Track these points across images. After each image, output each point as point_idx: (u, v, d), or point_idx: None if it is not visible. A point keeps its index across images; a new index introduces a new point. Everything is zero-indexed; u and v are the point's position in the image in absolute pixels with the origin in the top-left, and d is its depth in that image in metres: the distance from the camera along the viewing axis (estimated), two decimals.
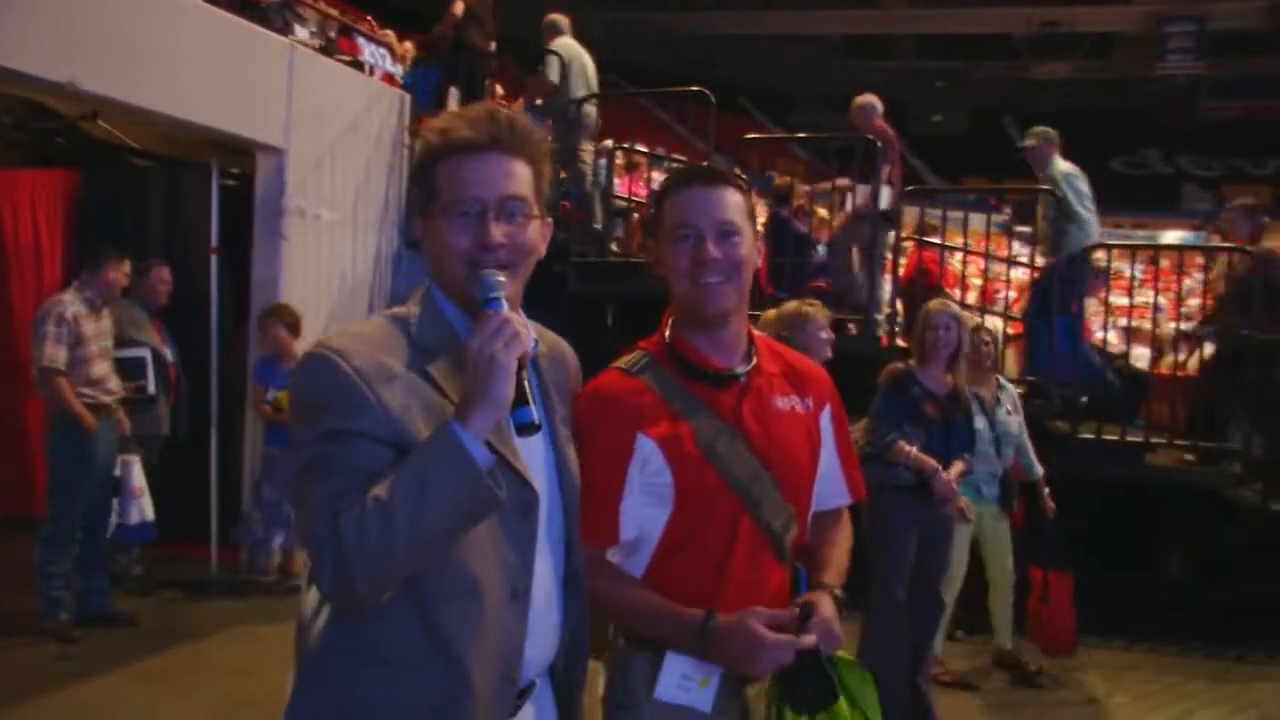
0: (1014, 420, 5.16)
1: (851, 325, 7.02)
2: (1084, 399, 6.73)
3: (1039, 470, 5.30)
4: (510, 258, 1.56)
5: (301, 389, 1.51)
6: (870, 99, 7.40)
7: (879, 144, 6.93)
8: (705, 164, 1.84)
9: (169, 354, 5.97)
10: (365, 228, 7.07)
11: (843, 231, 7.42)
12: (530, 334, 1.50)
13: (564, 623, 1.70)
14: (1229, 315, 6.50)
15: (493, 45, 8.28)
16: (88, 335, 5.15)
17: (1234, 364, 6.32)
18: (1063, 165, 6.91)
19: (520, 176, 1.59)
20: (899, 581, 4.34)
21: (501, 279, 1.51)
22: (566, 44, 7.85)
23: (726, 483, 1.82)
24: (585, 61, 7.86)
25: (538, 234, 1.63)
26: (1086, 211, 6.73)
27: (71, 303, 5.16)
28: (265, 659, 4.87)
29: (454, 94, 7.83)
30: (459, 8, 7.94)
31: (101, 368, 5.24)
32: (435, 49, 8.04)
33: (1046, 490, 5.34)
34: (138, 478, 5.38)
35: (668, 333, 1.93)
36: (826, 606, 1.81)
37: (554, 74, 7.66)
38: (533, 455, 1.62)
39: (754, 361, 1.92)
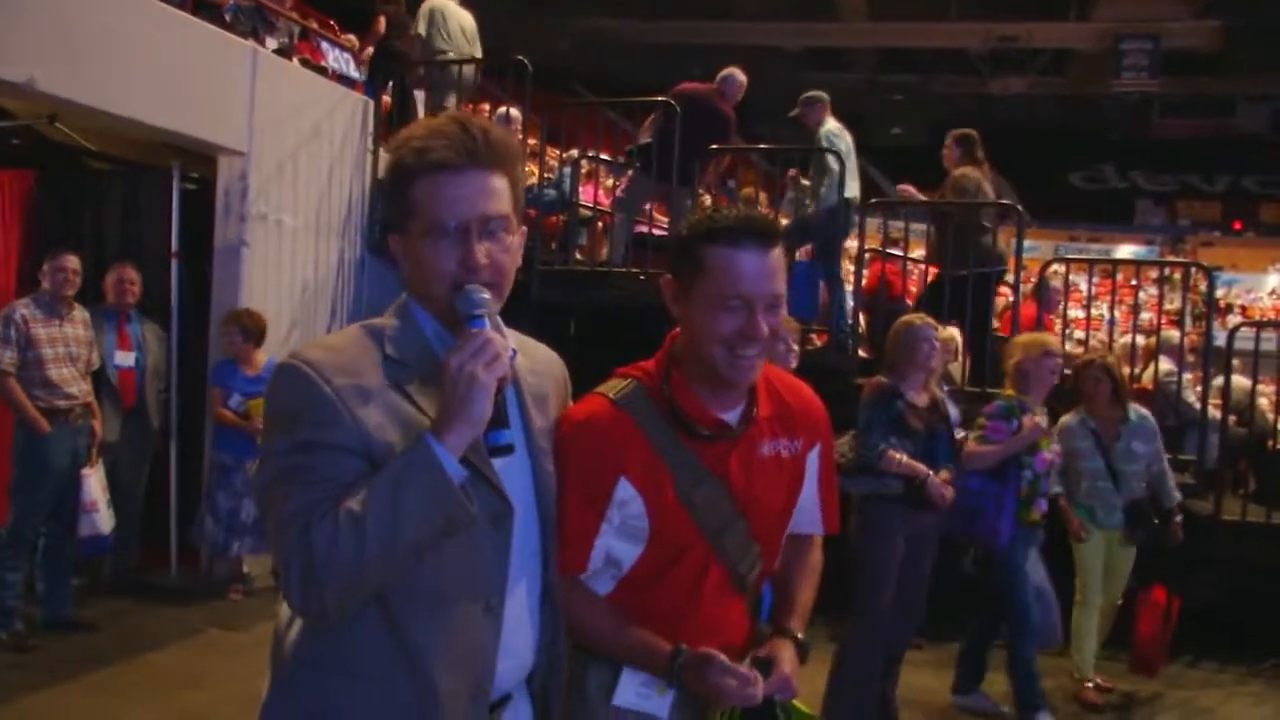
0: (1146, 448, 5.14)
1: (814, 337, 7.08)
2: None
3: (1175, 497, 5.26)
4: (493, 277, 1.55)
5: (276, 400, 1.51)
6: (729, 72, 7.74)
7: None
8: (750, 212, 1.65)
9: (130, 359, 5.86)
10: (328, 234, 7.02)
11: None
12: (510, 350, 1.50)
13: (540, 636, 1.70)
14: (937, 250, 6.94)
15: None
16: (40, 338, 5.10)
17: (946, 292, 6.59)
18: (830, 125, 7.42)
19: (500, 192, 1.57)
20: (884, 590, 4.36)
21: (486, 295, 1.52)
22: (441, 3, 7.89)
23: (700, 531, 1.81)
24: (462, 19, 7.89)
25: (518, 249, 1.63)
26: (836, 170, 7.21)
27: (23, 306, 5.16)
28: (219, 670, 4.82)
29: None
30: (381, 23, 8.06)
31: (60, 372, 5.16)
32: (372, 64, 8.13)
33: (1178, 519, 5.25)
34: (90, 491, 5.26)
35: (666, 367, 1.85)
36: (786, 660, 1.80)
37: (422, 27, 7.71)
38: (508, 469, 1.60)
39: (752, 414, 1.86)
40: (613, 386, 1.86)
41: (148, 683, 4.76)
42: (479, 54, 8.07)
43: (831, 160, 7.23)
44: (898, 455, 4.37)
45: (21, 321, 5.07)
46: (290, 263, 6.73)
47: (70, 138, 6.62)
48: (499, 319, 1.60)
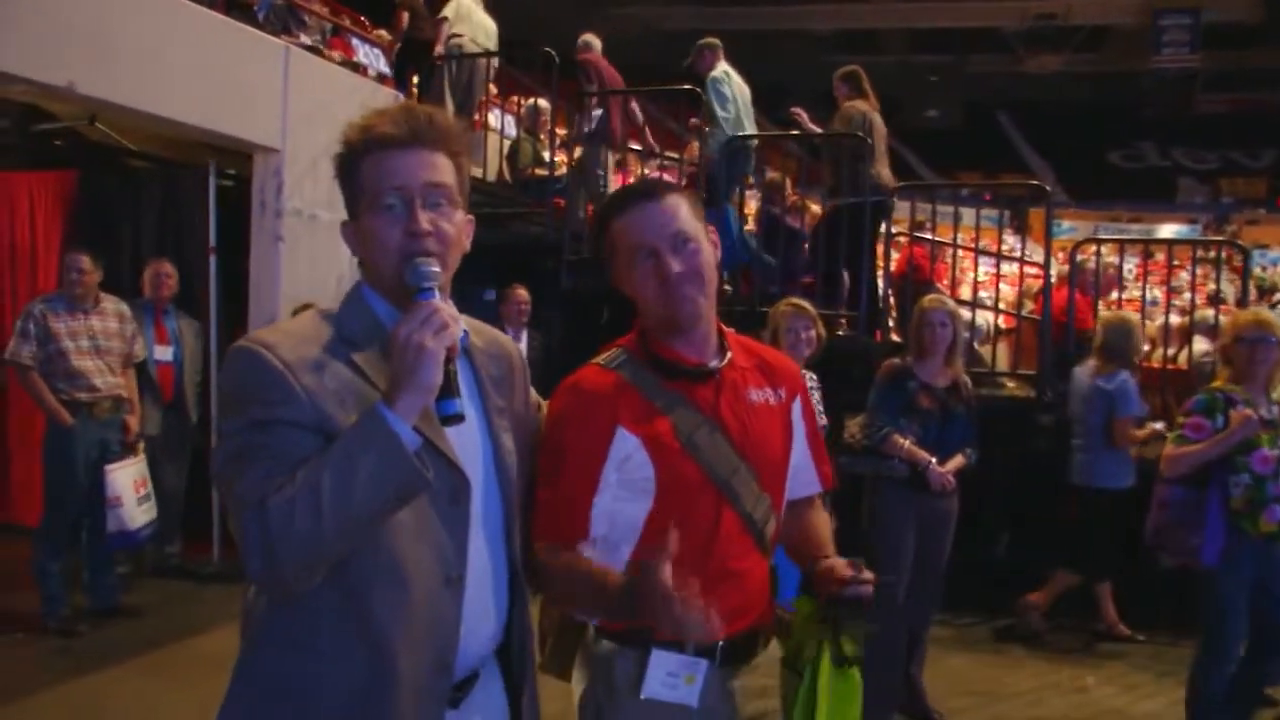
0: None
1: (844, 321, 7.09)
2: None
3: None
4: (438, 246, 1.58)
5: (229, 381, 1.53)
6: (585, 38, 8.17)
7: (591, 75, 7.87)
8: (642, 179, 1.74)
9: (168, 354, 5.99)
10: None
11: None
12: (460, 326, 1.52)
13: (507, 615, 1.72)
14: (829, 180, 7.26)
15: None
16: (59, 331, 5.21)
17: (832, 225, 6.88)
18: (717, 70, 7.60)
19: (442, 168, 1.61)
20: (898, 571, 4.39)
21: (435, 269, 1.54)
22: (468, 4, 8.14)
23: (707, 475, 1.85)
24: (485, 22, 8.17)
25: (462, 226, 1.65)
26: (725, 114, 7.45)
27: (41, 301, 5.32)
28: None
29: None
30: (404, 18, 8.25)
31: (83, 364, 5.25)
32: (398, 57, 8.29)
33: None
34: (114, 486, 5.25)
35: (641, 333, 1.96)
36: (863, 570, 1.87)
37: (449, 11, 7.99)
38: (467, 446, 1.64)
39: (728, 357, 1.95)
40: (600, 356, 1.96)
41: (192, 665, 4.89)
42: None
43: (716, 105, 7.41)
44: (901, 440, 4.39)
45: (39, 316, 5.20)
46: (325, 257, 6.83)
47: (111, 138, 6.78)
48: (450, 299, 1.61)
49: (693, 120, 7.69)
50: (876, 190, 6.94)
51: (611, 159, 8.09)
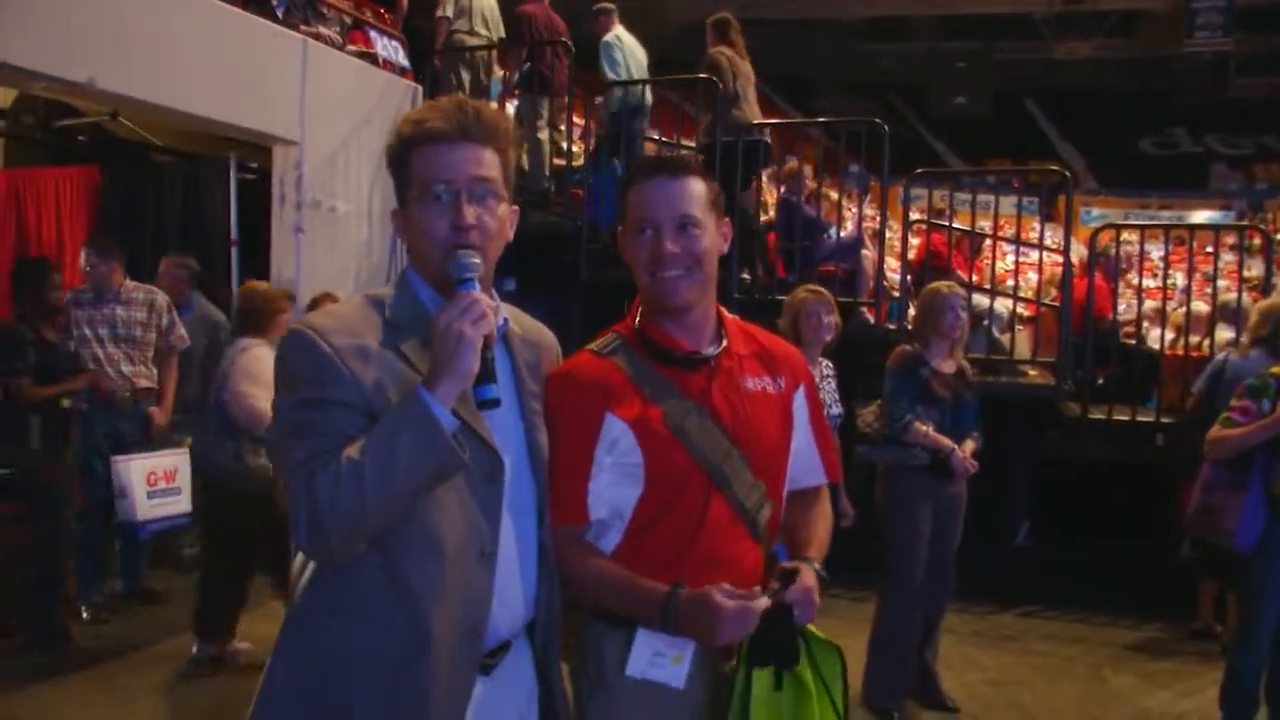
0: None
1: (866, 309, 7.07)
2: (1100, 380, 6.82)
3: None
4: (480, 239, 1.66)
5: (284, 362, 1.63)
6: None
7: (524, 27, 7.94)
8: (670, 154, 1.75)
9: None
10: (380, 218, 7.18)
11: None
12: (500, 315, 1.60)
13: (537, 590, 1.78)
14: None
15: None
16: (79, 320, 5.39)
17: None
18: (609, 35, 7.75)
19: (488, 162, 1.69)
20: (916, 558, 4.42)
21: (476, 260, 1.62)
22: None
23: (696, 461, 1.84)
24: (485, 4, 8.15)
25: (505, 217, 1.73)
26: (615, 77, 7.61)
27: (71, 292, 5.49)
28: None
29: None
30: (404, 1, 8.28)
31: (104, 351, 5.38)
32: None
33: None
34: (118, 477, 5.21)
35: (637, 317, 1.96)
36: (809, 576, 1.83)
37: (450, 10, 7.97)
38: (502, 428, 1.71)
39: (724, 343, 1.94)
40: (594, 343, 1.97)
41: None
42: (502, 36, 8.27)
43: (607, 68, 7.59)
44: (923, 427, 4.38)
45: (65, 305, 5.36)
46: (344, 248, 6.92)
47: (134, 133, 6.87)
48: (491, 289, 1.71)
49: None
50: (744, 131, 7.08)
51: (549, 108, 8.09)
